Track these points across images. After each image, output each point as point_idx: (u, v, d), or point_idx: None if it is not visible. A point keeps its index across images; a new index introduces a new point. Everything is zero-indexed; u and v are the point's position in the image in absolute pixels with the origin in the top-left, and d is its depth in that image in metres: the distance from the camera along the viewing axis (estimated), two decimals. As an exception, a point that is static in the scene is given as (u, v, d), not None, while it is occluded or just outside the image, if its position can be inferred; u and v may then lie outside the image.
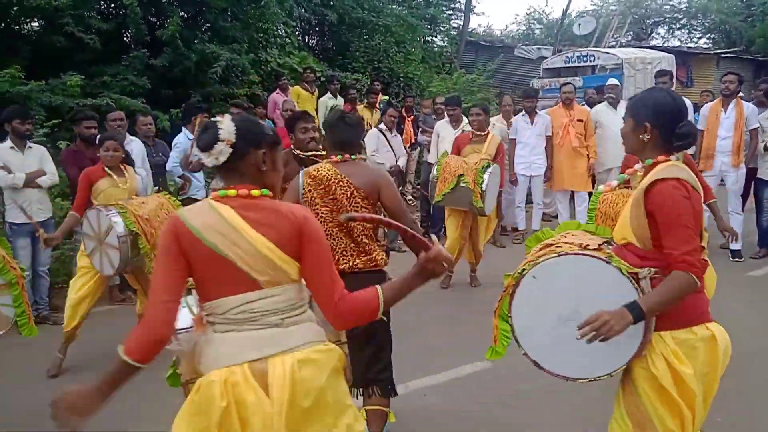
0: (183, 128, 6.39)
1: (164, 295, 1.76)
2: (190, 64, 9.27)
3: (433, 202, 5.84)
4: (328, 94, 9.74)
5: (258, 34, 10.95)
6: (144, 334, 1.74)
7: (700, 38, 25.17)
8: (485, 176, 5.35)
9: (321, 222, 2.93)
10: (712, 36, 24.79)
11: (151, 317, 1.76)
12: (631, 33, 24.00)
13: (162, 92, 9.35)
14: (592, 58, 12.09)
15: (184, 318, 1.91)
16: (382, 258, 2.98)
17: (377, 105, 9.16)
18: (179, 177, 6.23)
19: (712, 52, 21.18)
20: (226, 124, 1.83)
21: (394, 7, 14.68)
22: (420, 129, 8.72)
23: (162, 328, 1.75)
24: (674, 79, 7.11)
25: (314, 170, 2.98)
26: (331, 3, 12.80)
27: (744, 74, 20.86)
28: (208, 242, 1.77)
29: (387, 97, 11.04)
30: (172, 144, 6.31)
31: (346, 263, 2.91)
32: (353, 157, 3.01)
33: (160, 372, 2.10)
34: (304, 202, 2.95)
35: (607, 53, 11.96)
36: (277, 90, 9.36)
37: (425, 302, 5.13)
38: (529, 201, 7.91)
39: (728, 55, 20.83)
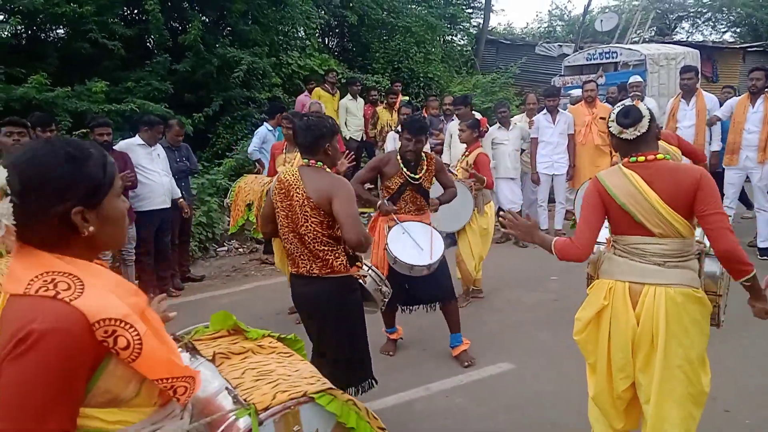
0: (265, 122, 7.48)
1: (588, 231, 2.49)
2: (212, 69, 9.37)
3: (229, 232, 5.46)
4: (348, 96, 9.78)
5: (278, 37, 11.03)
6: (571, 247, 2.47)
7: (725, 32, 24.74)
8: None
9: (279, 227, 2.97)
10: (737, 30, 24.32)
11: (580, 242, 2.46)
12: (655, 28, 23.59)
13: (185, 96, 9.47)
14: (614, 55, 11.95)
15: (602, 234, 2.58)
16: (341, 264, 2.92)
17: (397, 106, 9.16)
18: (255, 161, 7.39)
19: (737, 46, 20.78)
20: (641, 106, 2.50)
21: (413, 6, 14.67)
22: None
23: (585, 250, 2.46)
24: (699, 75, 6.97)
25: (284, 174, 2.98)
26: (351, 4, 12.83)
27: (771, 67, 20.41)
28: (619, 201, 2.43)
29: (407, 98, 11.05)
30: (255, 133, 7.52)
31: (304, 267, 2.94)
32: (319, 163, 2.93)
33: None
34: (274, 206, 2.99)
35: (630, 49, 11.80)
36: (306, 92, 9.45)
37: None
38: (551, 200, 7.85)
39: (755, 49, 20.43)
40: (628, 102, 7.73)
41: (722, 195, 6.54)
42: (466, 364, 4.17)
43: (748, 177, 6.47)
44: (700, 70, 13.71)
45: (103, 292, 1.30)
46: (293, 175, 2.93)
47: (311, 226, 2.87)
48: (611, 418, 2.65)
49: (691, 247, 2.48)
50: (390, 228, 4.07)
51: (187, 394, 1.45)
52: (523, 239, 2.69)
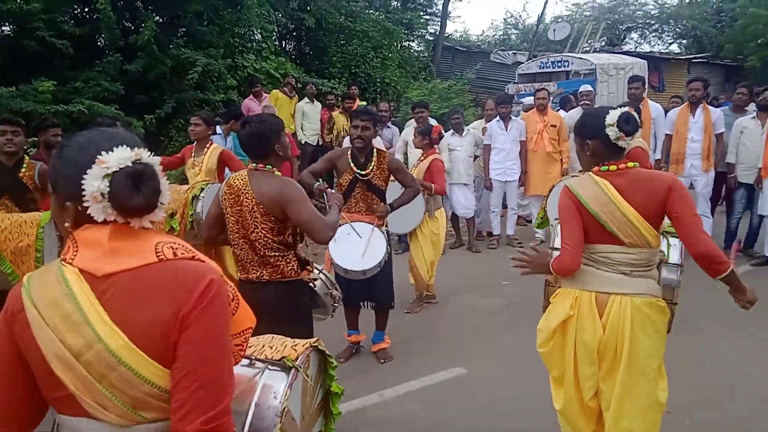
0: (218, 126, 6.93)
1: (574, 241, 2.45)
2: (166, 70, 9.21)
3: None
4: (305, 99, 9.75)
5: (234, 39, 10.92)
6: (562, 262, 2.44)
7: (671, 43, 25.64)
8: (199, 205, 4.32)
9: (230, 233, 2.94)
10: (683, 41, 25.25)
11: (571, 253, 2.43)
12: (605, 38, 24.31)
13: (136, 98, 9.28)
14: (566, 64, 12.25)
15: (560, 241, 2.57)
16: (291, 269, 2.92)
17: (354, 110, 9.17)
18: None
19: (683, 57, 21.57)
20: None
21: (371, 12, 14.74)
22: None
23: (577, 260, 2.43)
24: (646, 85, 7.21)
25: (233, 178, 2.94)
26: (309, 8, 12.80)
27: (715, 79, 21.36)
28: (591, 210, 2.41)
29: (364, 103, 11.08)
30: None
31: (254, 273, 2.92)
32: (268, 166, 2.88)
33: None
34: (223, 211, 2.95)
35: (581, 59, 12.13)
36: (251, 96, 9.33)
37: (398, 308, 5.15)
38: (504, 206, 7.98)
39: (699, 60, 21.25)
40: (578, 110, 7.95)
41: (718, 200, 6.80)
42: (382, 360, 4.34)
43: (692, 184, 6.70)
44: (647, 80, 14.18)
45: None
46: (242, 180, 2.90)
47: (262, 232, 2.85)
48: (581, 428, 2.65)
49: (655, 257, 2.52)
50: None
51: (247, 347, 1.54)
52: (537, 272, 2.60)
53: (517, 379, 3.95)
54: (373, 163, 4.15)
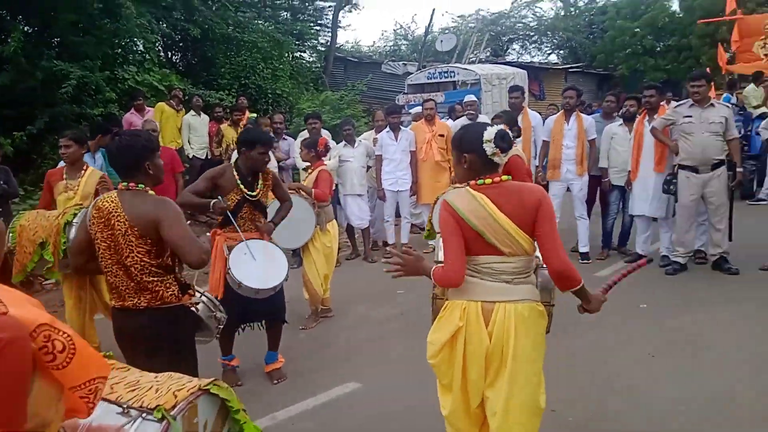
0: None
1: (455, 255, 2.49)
2: (36, 83, 8.60)
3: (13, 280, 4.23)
4: (192, 112, 9.44)
5: (113, 51, 10.38)
6: (448, 273, 2.48)
7: (550, 54, 27.26)
8: (72, 231, 4.02)
9: (100, 259, 2.79)
10: (561, 52, 26.91)
11: (453, 267, 2.48)
12: (490, 49, 25.43)
13: (4, 113, 8.60)
14: (452, 74, 12.66)
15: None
16: (172, 294, 2.80)
17: (244, 123, 8.99)
18: None
19: (560, 67, 22.97)
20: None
21: (260, 22, 14.53)
22: None
23: (460, 274, 2.48)
24: (525, 94, 7.58)
25: (101, 200, 2.78)
26: (194, 18, 12.42)
27: (589, 87, 22.84)
28: (470, 222, 2.47)
29: (255, 115, 10.89)
30: None
31: (130, 300, 2.78)
32: (140, 185, 2.74)
33: None
34: (92, 236, 2.78)
35: (467, 69, 12.58)
36: (132, 109, 8.90)
37: (293, 325, 5.08)
38: (398, 215, 8.10)
39: (575, 69, 22.73)
40: (464, 120, 8.22)
41: (593, 202, 7.18)
42: (276, 381, 4.24)
43: (569, 188, 7.09)
44: (528, 89, 14.92)
45: (21, 302, 1.33)
46: (112, 202, 2.72)
47: (137, 256, 2.70)
48: None
49: (532, 263, 2.62)
50: (230, 248, 3.95)
51: (99, 398, 1.45)
52: (412, 275, 2.62)
53: (410, 389, 3.99)
54: (260, 183, 4.09)
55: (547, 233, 2.47)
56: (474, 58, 18.87)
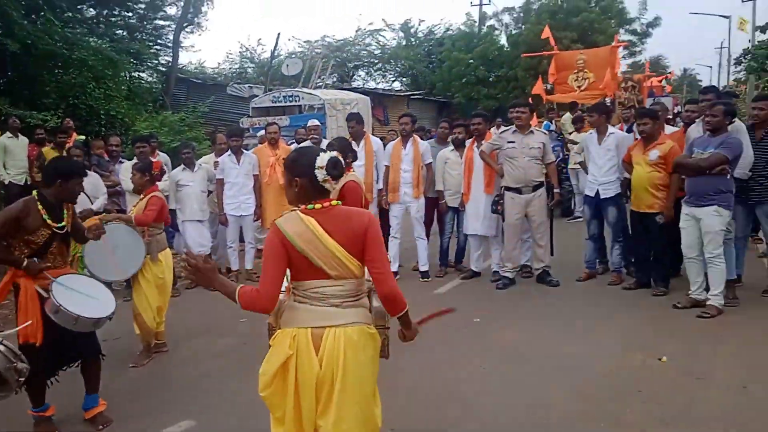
0: None
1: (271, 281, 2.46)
2: None
3: None
4: (8, 134, 8.57)
5: None
6: (257, 298, 2.42)
7: (394, 81, 28.39)
8: None
9: None
10: (404, 79, 28.13)
11: (265, 292, 2.42)
12: (336, 75, 25.95)
13: None
14: (297, 98, 12.71)
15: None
16: None
17: (70, 145, 8.29)
18: None
19: (403, 93, 24.01)
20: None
21: (92, 39, 13.63)
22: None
23: (271, 301, 2.45)
24: (365, 120, 7.77)
25: None
26: (13, 32, 11.33)
27: (430, 113, 24.03)
28: (298, 246, 2.45)
29: (83, 137, 10.12)
30: None
31: None
32: None
33: None
34: None
35: (311, 94, 12.71)
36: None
37: (123, 362, 4.73)
38: (242, 240, 7.89)
39: (416, 96, 23.86)
40: (308, 143, 8.25)
41: (431, 223, 7.44)
42: (101, 426, 3.87)
43: (407, 209, 7.35)
44: (372, 115, 15.38)
45: None
46: None
47: None
48: None
49: (363, 286, 2.65)
50: (45, 289, 3.58)
51: None
52: (202, 284, 2.57)
53: (246, 424, 3.86)
54: (65, 214, 3.78)
55: (375, 258, 2.51)
56: (320, 83, 19.13)
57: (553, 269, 6.90)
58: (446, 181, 7.32)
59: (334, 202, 2.57)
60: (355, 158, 5.23)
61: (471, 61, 23.97)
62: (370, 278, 2.68)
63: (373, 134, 14.74)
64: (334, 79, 25.16)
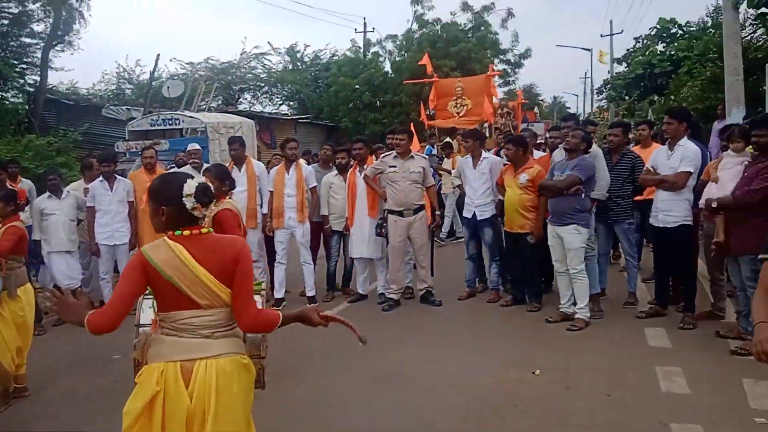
0: None
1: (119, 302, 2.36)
2: None
3: None
4: None
5: None
6: (100, 317, 2.31)
7: (281, 104, 28.22)
8: None
9: None
10: (291, 103, 28.04)
11: (109, 311, 2.32)
12: (221, 98, 25.41)
13: None
14: (177, 122, 12.30)
15: (147, 316, 2.56)
16: None
17: None
18: None
19: (290, 117, 23.92)
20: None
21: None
22: None
23: (114, 320, 2.31)
24: (249, 143, 7.65)
25: None
26: None
27: (318, 137, 24.08)
28: (165, 274, 2.36)
29: (-68, 163, 9.18)
30: None
31: None
32: None
33: None
34: None
35: (192, 117, 12.35)
36: None
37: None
38: (116, 270, 7.45)
39: (304, 120, 23.86)
40: (188, 168, 7.98)
41: (317, 247, 7.33)
42: None
43: (293, 234, 7.28)
44: (259, 138, 15.17)
45: None
46: None
47: None
48: None
49: None
50: None
51: None
52: (71, 321, 2.38)
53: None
54: None
55: (241, 288, 2.45)
56: (204, 106, 18.63)
57: (435, 289, 7.09)
58: (331, 205, 7.35)
59: (204, 230, 2.50)
60: (232, 186, 5.12)
61: (357, 86, 24.37)
62: None
63: (259, 158, 14.60)
64: (219, 102, 24.63)
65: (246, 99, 27.11)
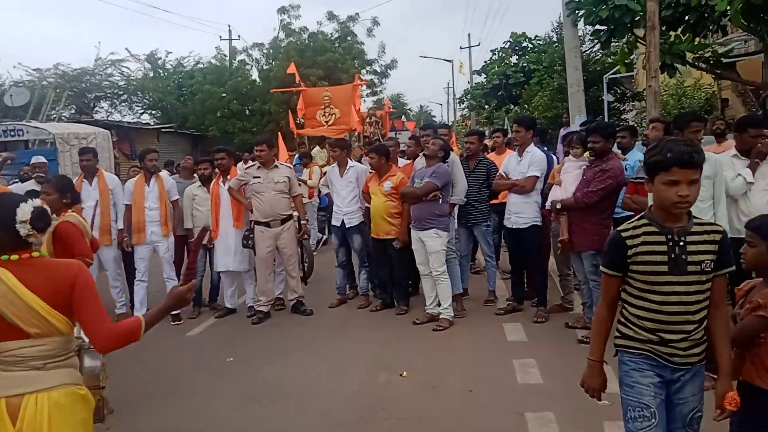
0: None
1: None
2: None
3: None
4: None
5: None
6: None
7: (142, 113, 26.78)
8: None
9: None
10: (153, 112, 26.70)
11: None
12: (75, 106, 23.70)
13: None
14: (21, 133, 11.30)
15: None
16: None
17: None
18: None
19: (152, 126, 22.80)
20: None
21: None
22: None
23: None
24: (96, 157, 7.12)
25: None
26: None
27: (184, 146, 23.18)
28: None
29: None
30: None
31: None
32: None
33: None
34: None
35: (38, 128, 11.40)
36: None
37: None
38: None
39: (167, 129, 22.83)
40: (32, 184, 7.35)
41: (182, 262, 6.94)
42: None
43: (155, 249, 6.93)
44: (118, 149, 14.26)
45: None
46: None
47: None
48: None
49: (71, 344, 2.41)
50: None
51: None
52: None
53: None
54: None
55: (86, 311, 2.31)
56: (54, 116, 17.27)
57: (306, 298, 7.07)
58: (195, 217, 7.09)
59: (35, 253, 2.33)
60: (75, 200, 4.72)
61: (224, 94, 23.72)
62: (80, 335, 2.47)
63: (118, 170, 13.75)
64: (72, 111, 22.97)
65: (103, 108, 25.46)
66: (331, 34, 25.89)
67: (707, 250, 2.35)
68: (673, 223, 2.35)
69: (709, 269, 2.35)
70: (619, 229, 2.45)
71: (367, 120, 16.48)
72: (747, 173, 4.65)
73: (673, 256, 2.33)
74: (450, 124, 37.51)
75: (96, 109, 25.04)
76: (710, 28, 10.71)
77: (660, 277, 2.35)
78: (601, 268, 2.51)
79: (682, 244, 2.33)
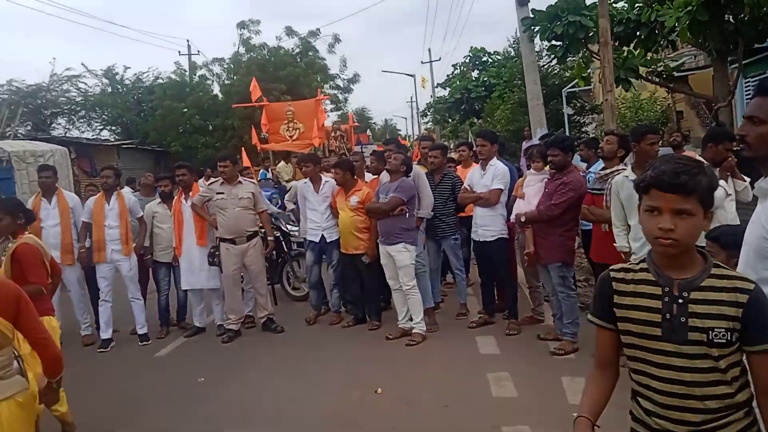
0: None
1: None
2: None
3: None
4: None
5: None
6: None
7: (102, 130, 26.12)
8: None
9: None
10: (113, 128, 26.08)
11: None
12: (31, 123, 23.04)
13: None
14: (-25, 151, 10.91)
15: None
16: None
17: None
18: None
19: (112, 143, 22.32)
20: None
21: None
22: None
23: None
24: (56, 175, 6.92)
25: None
26: None
27: (146, 163, 22.75)
28: None
29: None
30: None
31: None
32: None
33: None
34: None
35: (-7, 146, 11.03)
36: None
37: None
38: None
39: (128, 146, 22.37)
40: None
41: (147, 281, 6.77)
42: None
43: (118, 269, 6.73)
44: (78, 166, 13.85)
45: None
46: None
47: None
48: None
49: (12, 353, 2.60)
50: None
51: None
52: None
53: None
54: None
55: (31, 324, 2.52)
56: (9, 133, 16.74)
57: (277, 315, 6.96)
58: (157, 235, 6.94)
59: None
60: (30, 218, 4.50)
61: (185, 110, 23.36)
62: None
63: (78, 188, 13.37)
64: (29, 128, 22.33)
65: (60, 124, 24.73)
66: (292, 49, 25.83)
67: (722, 314, 1.64)
68: (676, 272, 1.70)
69: (724, 341, 1.64)
70: (612, 267, 1.88)
71: (332, 134, 16.45)
72: (725, 185, 4.72)
73: (668, 316, 1.69)
74: (415, 138, 37.76)
75: (53, 125, 24.35)
76: (661, 43, 11.02)
77: (651, 342, 1.72)
78: (588, 316, 1.94)
79: (682, 301, 1.67)
